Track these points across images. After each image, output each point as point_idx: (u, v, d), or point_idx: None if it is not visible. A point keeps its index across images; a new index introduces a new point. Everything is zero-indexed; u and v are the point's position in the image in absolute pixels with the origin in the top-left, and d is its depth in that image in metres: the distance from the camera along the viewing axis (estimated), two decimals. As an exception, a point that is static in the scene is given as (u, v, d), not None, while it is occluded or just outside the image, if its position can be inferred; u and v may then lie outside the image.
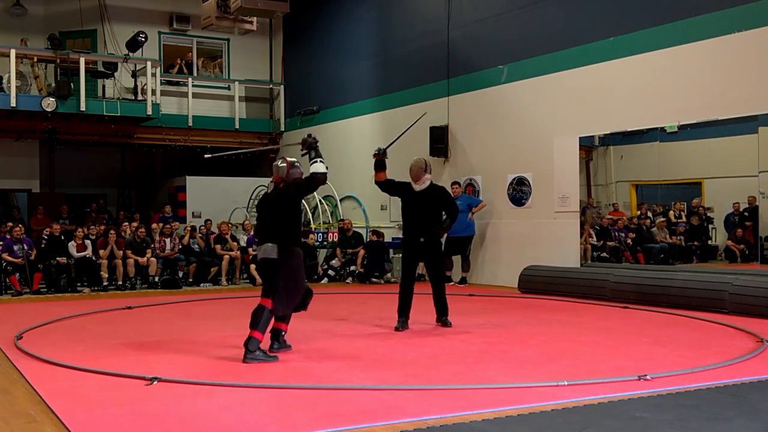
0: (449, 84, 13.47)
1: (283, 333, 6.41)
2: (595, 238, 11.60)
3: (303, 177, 6.40)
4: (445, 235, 12.54)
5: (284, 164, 6.38)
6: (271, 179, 6.56)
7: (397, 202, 14.43)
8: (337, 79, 16.58)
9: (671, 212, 10.91)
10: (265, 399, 4.72)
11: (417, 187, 7.82)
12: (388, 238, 14.21)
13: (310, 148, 6.47)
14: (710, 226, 10.45)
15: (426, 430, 3.97)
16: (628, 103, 10.62)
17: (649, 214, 11.16)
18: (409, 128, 8.94)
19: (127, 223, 13.79)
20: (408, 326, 7.70)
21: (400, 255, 14.26)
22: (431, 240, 7.80)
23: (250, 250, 13.64)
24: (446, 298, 8.01)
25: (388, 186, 8.03)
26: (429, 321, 8.17)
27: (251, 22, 14.66)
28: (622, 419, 4.16)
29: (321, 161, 6.34)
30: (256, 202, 16.87)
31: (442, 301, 7.98)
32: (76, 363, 5.76)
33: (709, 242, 10.53)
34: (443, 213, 7.87)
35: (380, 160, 7.88)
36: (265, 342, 6.13)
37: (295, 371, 5.61)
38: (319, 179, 6.25)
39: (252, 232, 13.58)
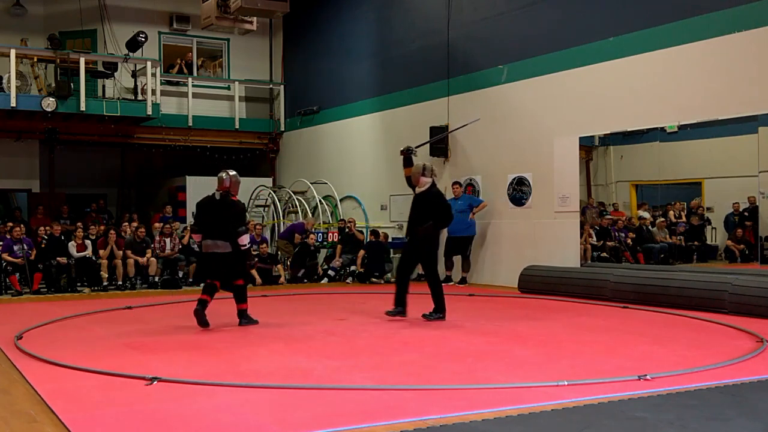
0: (449, 84, 13.47)
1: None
2: (595, 238, 11.59)
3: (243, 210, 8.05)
4: (446, 235, 12.65)
5: (227, 176, 7.77)
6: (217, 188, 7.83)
7: (396, 202, 14.60)
8: (337, 79, 16.57)
9: (671, 212, 10.90)
10: (265, 399, 4.72)
11: (417, 190, 8.22)
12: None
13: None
14: (710, 226, 10.46)
15: (426, 430, 3.97)
16: (628, 103, 10.62)
17: (642, 213, 11.16)
18: (444, 135, 9.25)
19: (126, 223, 13.78)
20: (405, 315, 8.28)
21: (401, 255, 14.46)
22: (415, 240, 8.25)
23: (251, 249, 13.64)
24: (439, 295, 8.30)
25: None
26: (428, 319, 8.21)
27: (251, 22, 14.63)
28: (622, 419, 4.16)
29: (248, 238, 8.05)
30: (255, 202, 16.95)
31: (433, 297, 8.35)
32: (76, 363, 5.75)
33: (707, 242, 10.54)
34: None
35: (406, 157, 8.54)
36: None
37: (295, 371, 5.60)
38: (241, 240, 7.74)
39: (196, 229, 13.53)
